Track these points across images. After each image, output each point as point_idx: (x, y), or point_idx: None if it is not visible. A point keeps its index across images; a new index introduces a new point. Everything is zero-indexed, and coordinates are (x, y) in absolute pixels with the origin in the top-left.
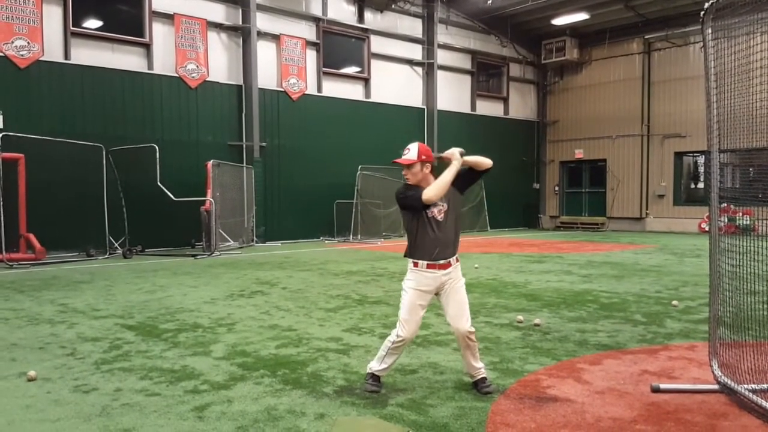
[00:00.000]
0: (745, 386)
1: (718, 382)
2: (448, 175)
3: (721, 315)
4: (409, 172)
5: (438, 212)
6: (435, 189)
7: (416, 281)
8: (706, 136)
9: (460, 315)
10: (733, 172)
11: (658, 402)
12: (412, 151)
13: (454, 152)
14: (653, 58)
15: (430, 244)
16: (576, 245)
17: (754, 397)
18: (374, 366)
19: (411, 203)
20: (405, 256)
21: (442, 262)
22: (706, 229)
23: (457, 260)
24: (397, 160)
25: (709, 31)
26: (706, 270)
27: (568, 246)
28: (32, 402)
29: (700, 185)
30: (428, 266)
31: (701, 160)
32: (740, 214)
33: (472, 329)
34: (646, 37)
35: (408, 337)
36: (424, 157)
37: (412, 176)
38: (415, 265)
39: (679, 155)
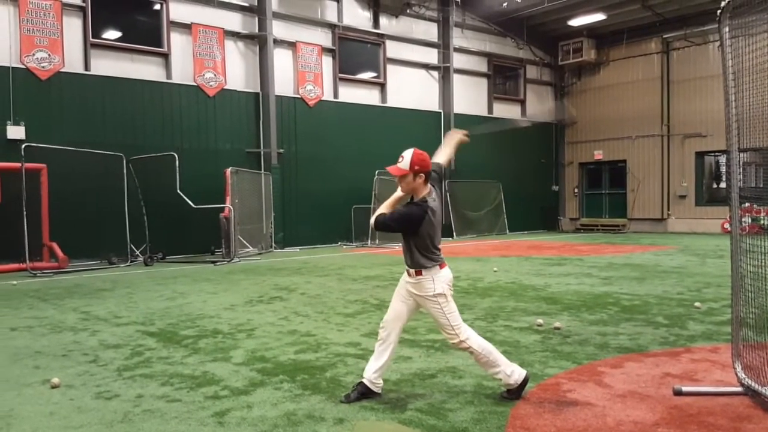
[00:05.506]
0: None
1: (742, 385)
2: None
3: (744, 316)
4: (402, 181)
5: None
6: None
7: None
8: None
9: (441, 330)
10: (756, 172)
11: (680, 405)
12: (405, 160)
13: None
14: (672, 58)
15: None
16: (596, 247)
17: None
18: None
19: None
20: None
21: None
22: (729, 229)
23: (418, 273)
24: (389, 169)
25: (727, 29)
26: (729, 271)
27: (588, 248)
28: (56, 409)
29: (723, 185)
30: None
31: (723, 159)
32: (763, 213)
33: (456, 341)
34: (665, 36)
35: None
36: (417, 168)
37: (405, 185)
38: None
39: (700, 155)
